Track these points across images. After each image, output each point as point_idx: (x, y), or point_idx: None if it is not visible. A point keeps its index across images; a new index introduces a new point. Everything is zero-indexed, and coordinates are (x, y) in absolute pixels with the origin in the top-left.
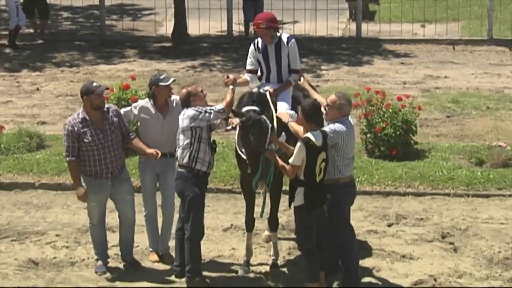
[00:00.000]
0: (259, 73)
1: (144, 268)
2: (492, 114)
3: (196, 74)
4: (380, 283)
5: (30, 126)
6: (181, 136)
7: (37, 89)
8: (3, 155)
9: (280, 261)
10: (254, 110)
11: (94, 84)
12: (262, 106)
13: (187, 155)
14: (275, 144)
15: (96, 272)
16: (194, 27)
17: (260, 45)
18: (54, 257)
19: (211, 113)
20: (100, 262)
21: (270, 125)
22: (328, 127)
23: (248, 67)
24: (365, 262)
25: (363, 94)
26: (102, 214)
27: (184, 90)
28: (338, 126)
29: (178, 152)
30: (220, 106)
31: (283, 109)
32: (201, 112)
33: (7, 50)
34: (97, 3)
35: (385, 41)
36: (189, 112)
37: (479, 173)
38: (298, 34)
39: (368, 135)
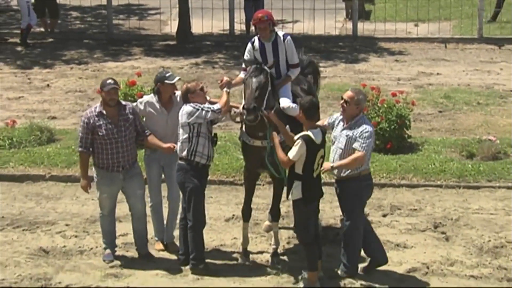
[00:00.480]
0: None
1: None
2: (482, 109)
3: (199, 71)
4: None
5: (41, 121)
6: (181, 131)
7: (48, 85)
8: (15, 148)
9: (280, 250)
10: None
11: (109, 81)
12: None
13: (186, 149)
14: (281, 134)
15: (104, 260)
16: (198, 26)
17: (256, 44)
18: (64, 246)
19: (208, 111)
20: (108, 251)
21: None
22: (361, 131)
23: (245, 65)
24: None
25: None
26: (112, 205)
27: (184, 86)
28: (368, 129)
29: (178, 145)
30: (217, 105)
31: (286, 103)
32: (198, 109)
33: (19, 48)
34: (105, 3)
35: (380, 40)
36: (187, 108)
37: (470, 166)
38: (297, 33)
39: None
